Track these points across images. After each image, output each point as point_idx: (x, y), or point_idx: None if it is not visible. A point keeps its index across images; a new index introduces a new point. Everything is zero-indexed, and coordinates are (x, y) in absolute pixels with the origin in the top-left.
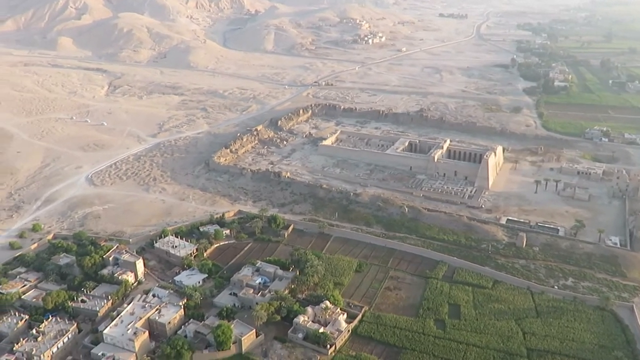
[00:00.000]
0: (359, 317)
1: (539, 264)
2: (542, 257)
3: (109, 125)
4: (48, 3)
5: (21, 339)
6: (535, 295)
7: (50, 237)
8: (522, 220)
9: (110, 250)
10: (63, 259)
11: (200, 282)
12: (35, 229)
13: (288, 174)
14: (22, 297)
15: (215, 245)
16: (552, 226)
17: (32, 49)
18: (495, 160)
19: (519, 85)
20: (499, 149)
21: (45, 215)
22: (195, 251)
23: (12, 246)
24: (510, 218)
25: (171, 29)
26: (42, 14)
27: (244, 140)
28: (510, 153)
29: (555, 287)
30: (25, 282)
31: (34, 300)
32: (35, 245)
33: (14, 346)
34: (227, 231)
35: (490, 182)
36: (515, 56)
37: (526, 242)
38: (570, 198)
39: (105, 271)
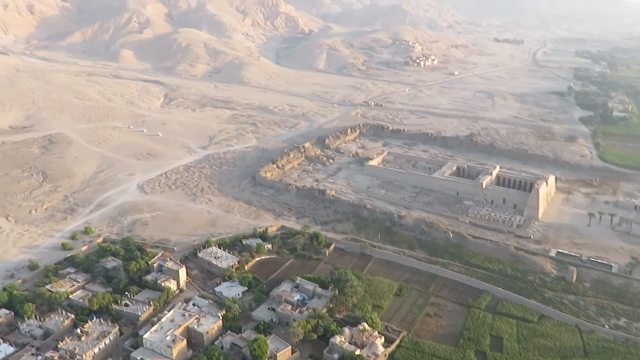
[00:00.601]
0: (397, 342)
1: (589, 300)
2: (593, 294)
3: (162, 136)
4: (113, 17)
5: (66, 337)
6: (584, 333)
7: (100, 240)
8: (573, 254)
9: (156, 257)
10: (110, 263)
11: (240, 295)
12: (86, 231)
13: (333, 192)
14: (70, 296)
15: (257, 259)
16: (605, 262)
17: (95, 59)
18: (547, 189)
19: (575, 114)
20: (551, 178)
21: (97, 218)
22: (237, 263)
23: (64, 247)
24: (560, 251)
25: (227, 45)
26: (107, 27)
27: (291, 156)
28: (563, 183)
29: (606, 326)
30: (74, 283)
31: (81, 300)
32: (86, 247)
33: (58, 343)
34: (269, 245)
35: (541, 212)
36: (572, 84)
37: (576, 276)
38: (625, 234)
39: (149, 277)
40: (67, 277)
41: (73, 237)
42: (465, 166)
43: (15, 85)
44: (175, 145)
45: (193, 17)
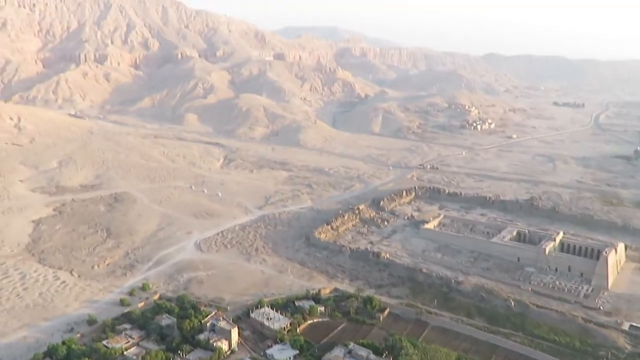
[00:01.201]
0: None
1: None
2: None
3: (221, 196)
4: (181, 84)
5: None
6: None
7: (156, 297)
8: None
9: (209, 316)
10: (165, 320)
11: (291, 358)
12: (144, 288)
13: (387, 255)
14: (125, 353)
15: (309, 322)
16: None
17: (162, 123)
18: (616, 258)
19: None
20: (621, 246)
21: (155, 275)
22: (288, 325)
23: (122, 302)
24: (634, 324)
25: (285, 109)
26: (175, 93)
27: (345, 218)
28: (634, 252)
29: None
30: (129, 339)
31: (135, 357)
32: (142, 304)
33: None
34: (322, 308)
35: (610, 282)
36: (639, 148)
37: None
38: None
39: (201, 336)
40: (123, 333)
41: (131, 293)
42: (526, 231)
43: (88, 146)
44: (232, 205)
45: (254, 83)
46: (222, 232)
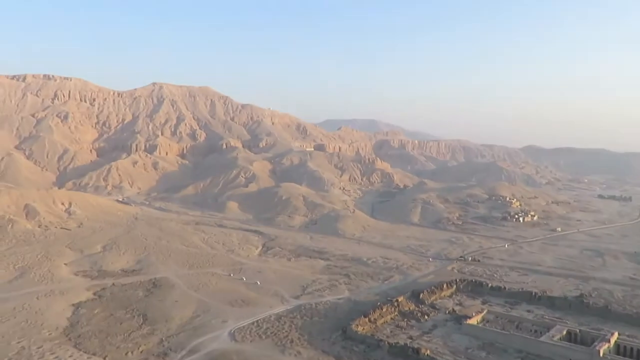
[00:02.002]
0: None
1: None
2: None
3: (260, 284)
4: (224, 173)
5: None
6: None
7: None
8: None
9: None
10: None
11: None
12: None
13: (428, 351)
14: None
15: None
16: None
17: (204, 210)
18: None
19: None
20: None
21: None
22: None
23: None
24: None
25: (324, 198)
26: (218, 181)
27: (384, 310)
28: None
29: None
30: None
31: None
32: None
33: None
34: None
35: None
36: None
37: None
38: None
39: None
40: None
41: None
42: (577, 331)
43: (132, 231)
44: (269, 294)
45: (295, 172)
46: (257, 321)
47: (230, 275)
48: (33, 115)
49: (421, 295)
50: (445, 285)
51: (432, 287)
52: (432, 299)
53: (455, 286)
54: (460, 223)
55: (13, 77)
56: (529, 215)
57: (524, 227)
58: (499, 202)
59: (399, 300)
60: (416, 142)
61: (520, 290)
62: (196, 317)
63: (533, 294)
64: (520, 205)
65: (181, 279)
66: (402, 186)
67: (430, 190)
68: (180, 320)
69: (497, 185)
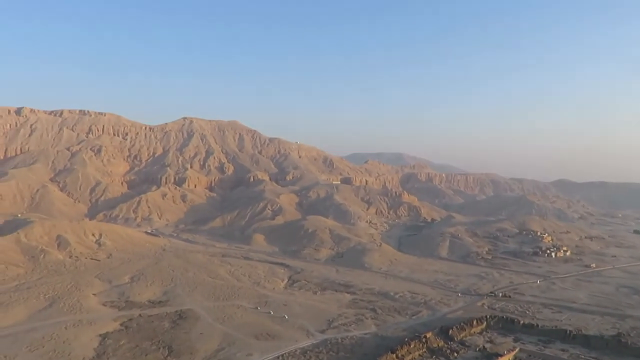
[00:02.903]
0: None
1: None
2: None
3: (279, 316)
4: (251, 205)
5: None
6: None
7: None
8: None
9: None
10: None
11: None
12: None
13: None
14: None
15: None
16: None
17: (230, 242)
18: None
19: None
20: None
21: None
22: None
23: None
24: None
25: (350, 231)
26: (245, 214)
27: (412, 346)
28: None
29: None
30: None
31: None
32: None
33: None
34: None
35: None
36: None
37: None
38: None
39: None
40: None
41: None
42: None
43: (159, 263)
44: (294, 327)
45: (321, 205)
46: (282, 355)
47: (257, 308)
48: (68, 149)
49: (450, 332)
50: (475, 322)
51: (462, 323)
52: (461, 335)
53: (485, 323)
54: (489, 258)
55: (51, 113)
56: (562, 251)
57: (556, 263)
58: (530, 236)
59: (428, 336)
60: (443, 175)
61: (553, 328)
62: (221, 350)
63: (567, 332)
64: (552, 240)
65: (207, 311)
66: (429, 220)
67: (458, 224)
68: (205, 352)
69: (527, 220)
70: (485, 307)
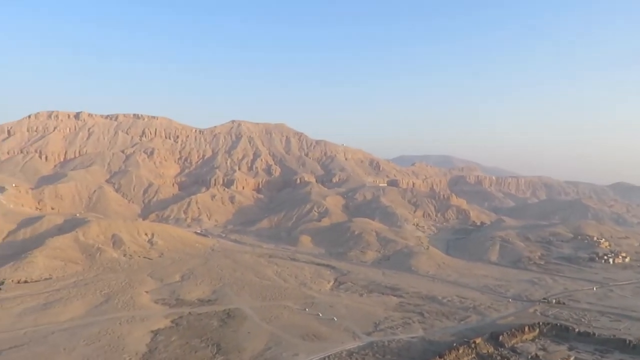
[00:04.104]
0: None
1: None
2: None
3: (327, 318)
4: (297, 207)
5: None
6: None
7: None
8: None
9: None
10: None
11: None
12: None
13: None
14: None
15: None
16: None
17: (277, 243)
18: None
19: None
20: None
21: None
22: None
23: None
24: None
25: (397, 234)
26: (291, 215)
27: (460, 352)
28: None
29: None
30: None
31: None
32: None
33: None
34: None
35: None
36: None
37: None
38: None
39: None
40: None
41: None
42: None
43: (208, 262)
44: (340, 329)
45: (367, 208)
46: (328, 356)
47: (305, 310)
48: (123, 152)
49: (501, 338)
50: (527, 328)
51: (513, 330)
52: (512, 342)
53: (538, 329)
54: (542, 263)
55: (107, 117)
56: (620, 257)
57: (614, 269)
58: (586, 241)
59: (477, 341)
60: (493, 178)
61: (612, 337)
62: (268, 350)
63: (627, 341)
64: (609, 245)
65: (254, 310)
66: (478, 223)
67: (509, 227)
68: (252, 351)
69: (582, 224)
70: (538, 313)
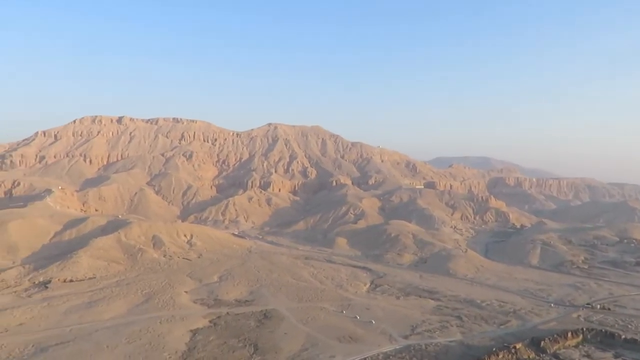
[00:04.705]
0: None
1: None
2: None
3: (365, 321)
4: (333, 209)
5: None
6: None
7: None
8: None
9: None
10: None
11: None
12: None
13: None
14: None
15: None
16: None
17: (313, 245)
18: None
19: None
20: None
21: None
22: None
23: None
24: None
25: (434, 237)
26: (327, 217)
27: (500, 357)
28: None
29: None
30: None
31: None
32: None
33: None
34: None
35: None
36: None
37: None
38: None
39: None
40: None
41: None
42: None
43: (245, 264)
44: (377, 332)
45: (403, 210)
46: (365, 359)
47: (342, 312)
48: (163, 155)
49: (542, 344)
50: (570, 334)
51: (555, 335)
52: (554, 348)
53: (582, 336)
54: (586, 267)
55: (148, 121)
56: None
57: None
58: (632, 245)
59: (517, 347)
60: (534, 180)
61: None
62: (304, 351)
63: None
64: None
65: (291, 311)
66: (518, 226)
67: (550, 230)
68: (289, 352)
69: (629, 227)
70: (581, 319)
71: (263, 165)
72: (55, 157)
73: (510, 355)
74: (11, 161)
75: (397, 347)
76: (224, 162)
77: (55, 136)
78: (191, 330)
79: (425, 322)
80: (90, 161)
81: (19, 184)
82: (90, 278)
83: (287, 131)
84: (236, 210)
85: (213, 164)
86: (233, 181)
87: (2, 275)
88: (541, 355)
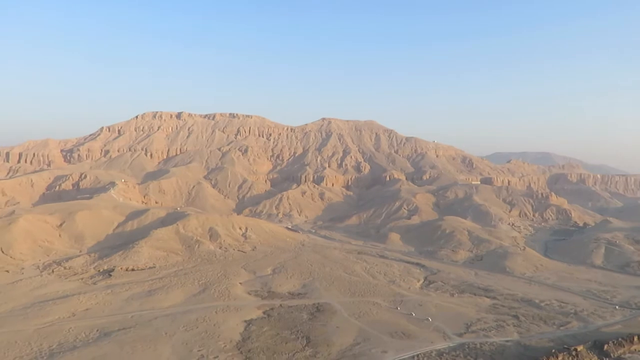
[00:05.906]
0: None
1: None
2: None
3: (421, 318)
4: (387, 204)
5: None
6: None
7: None
8: None
9: None
10: None
11: None
12: None
13: None
14: None
15: None
16: None
17: (366, 240)
18: None
19: None
20: None
21: None
22: None
23: None
24: None
25: (491, 234)
26: (380, 212)
27: (559, 359)
28: None
29: None
30: None
31: None
32: None
33: None
34: None
35: None
36: None
37: None
38: None
39: None
40: None
41: None
42: None
43: (298, 257)
44: (429, 328)
45: (459, 206)
46: (417, 355)
47: (397, 308)
48: (219, 149)
49: (606, 347)
50: (636, 338)
51: (620, 339)
52: (619, 352)
53: None
54: None
55: (205, 116)
56: None
57: None
58: None
59: (578, 349)
60: (598, 176)
61: None
62: (356, 345)
63: None
64: None
65: (343, 305)
66: (581, 224)
67: (616, 229)
68: (340, 346)
69: None
70: None
71: (316, 160)
72: (118, 151)
73: (570, 358)
74: (78, 155)
75: (451, 345)
76: (278, 156)
77: (119, 131)
78: (245, 321)
79: (480, 320)
80: (151, 155)
81: (85, 176)
82: (150, 267)
83: (340, 126)
84: (290, 204)
85: (267, 159)
86: (287, 175)
87: (69, 262)
88: (604, 359)
